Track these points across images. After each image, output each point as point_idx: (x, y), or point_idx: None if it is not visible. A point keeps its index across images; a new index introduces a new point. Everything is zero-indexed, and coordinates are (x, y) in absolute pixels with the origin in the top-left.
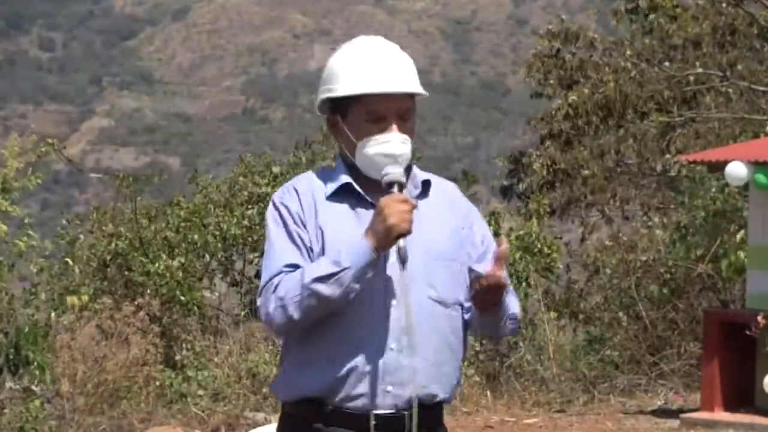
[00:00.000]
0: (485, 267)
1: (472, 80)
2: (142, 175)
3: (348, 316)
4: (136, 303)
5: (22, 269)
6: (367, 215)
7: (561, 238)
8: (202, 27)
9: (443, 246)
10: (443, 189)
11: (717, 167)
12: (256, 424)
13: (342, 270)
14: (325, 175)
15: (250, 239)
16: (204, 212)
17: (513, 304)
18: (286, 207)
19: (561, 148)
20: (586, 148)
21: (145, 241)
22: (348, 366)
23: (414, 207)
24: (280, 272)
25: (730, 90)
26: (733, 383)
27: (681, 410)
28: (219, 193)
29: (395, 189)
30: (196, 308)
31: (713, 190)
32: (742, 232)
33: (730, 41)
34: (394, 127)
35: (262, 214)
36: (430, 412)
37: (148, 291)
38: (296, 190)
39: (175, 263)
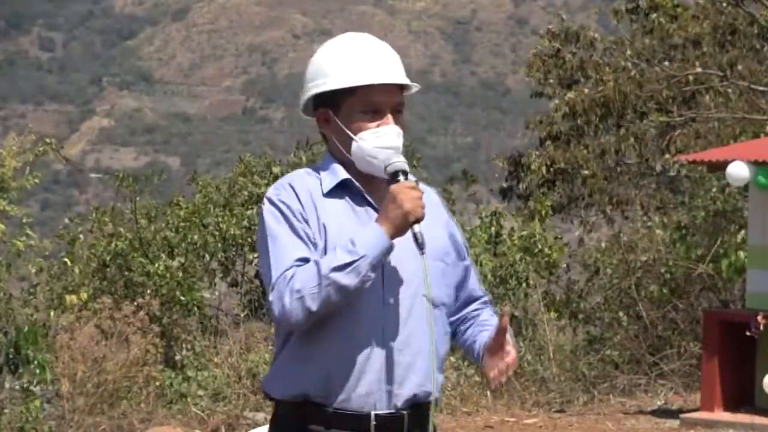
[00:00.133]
0: (493, 340)
1: (472, 80)
2: (141, 175)
3: (347, 312)
4: (135, 303)
5: (21, 269)
6: (362, 212)
7: (562, 238)
8: (202, 27)
9: (435, 245)
10: (428, 192)
11: (717, 167)
12: (256, 424)
13: (360, 258)
14: (317, 172)
15: (249, 239)
16: (204, 212)
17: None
18: (286, 204)
19: (561, 148)
20: (586, 148)
21: (145, 242)
22: (349, 365)
23: (422, 193)
24: (292, 266)
25: (730, 90)
26: (733, 383)
27: (681, 410)
28: (219, 193)
29: (401, 177)
30: (196, 308)
31: (713, 190)
32: (742, 232)
33: (731, 41)
34: (390, 119)
35: None
36: (425, 410)
37: (148, 291)
38: (292, 187)
39: (175, 263)
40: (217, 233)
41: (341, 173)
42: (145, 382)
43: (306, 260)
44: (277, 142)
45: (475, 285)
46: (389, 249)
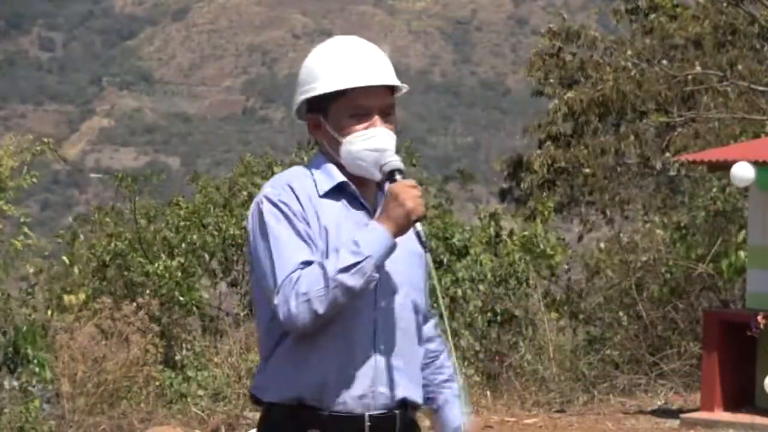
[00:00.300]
0: None
1: (472, 80)
2: (141, 175)
3: (341, 315)
4: (135, 303)
5: (20, 269)
6: (357, 215)
7: (564, 239)
8: (202, 27)
9: (417, 249)
10: None
11: (717, 167)
12: (256, 425)
13: (365, 258)
14: (313, 173)
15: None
16: (203, 212)
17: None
18: (287, 204)
19: (562, 148)
20: (586, 147)
21: (145, 242)
22: (344, 368)
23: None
24: (297, 269)
25: (729, 90)
26: (733, 383)
27: (681, 410)
28: (219, 194)
29: (398, 176)
30: (195, 308)
31: (713, 190)
32: (742, 232)
33: (731, 41)
34: (378, 121)
35: None
36: (413, 412)
37: (148, 291)
38: (291, 188)
39: (175, 263)
40: (216, 233)
41: (337, 175)
42: (145, 382)
43: (309, 263)
44: (277, 142)
45: (427, 302)
46: (393, 248)
